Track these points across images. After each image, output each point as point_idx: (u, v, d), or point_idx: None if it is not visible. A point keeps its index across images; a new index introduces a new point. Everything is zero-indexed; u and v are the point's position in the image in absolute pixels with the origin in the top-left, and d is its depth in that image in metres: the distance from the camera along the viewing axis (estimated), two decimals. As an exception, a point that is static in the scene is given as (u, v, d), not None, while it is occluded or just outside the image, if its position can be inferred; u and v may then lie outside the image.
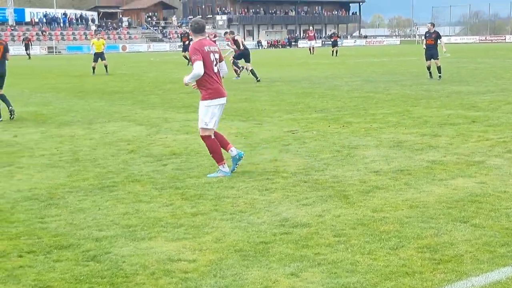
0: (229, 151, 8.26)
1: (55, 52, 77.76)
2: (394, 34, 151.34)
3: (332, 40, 52.11)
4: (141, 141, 10.77)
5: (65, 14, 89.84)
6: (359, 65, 34.50)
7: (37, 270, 4.85)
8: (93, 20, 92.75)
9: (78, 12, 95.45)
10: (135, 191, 7.29)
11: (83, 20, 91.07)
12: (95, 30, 78.09)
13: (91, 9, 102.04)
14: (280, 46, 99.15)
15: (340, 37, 75.87)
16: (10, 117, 13.79)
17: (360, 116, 13.22)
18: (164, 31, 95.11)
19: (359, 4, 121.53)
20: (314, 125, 12.10)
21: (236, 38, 25.85)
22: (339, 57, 45.88)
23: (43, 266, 4.95)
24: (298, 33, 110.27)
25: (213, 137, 8.21)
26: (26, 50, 56.14)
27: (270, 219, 6.05)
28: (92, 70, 29.95)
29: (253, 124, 12.49)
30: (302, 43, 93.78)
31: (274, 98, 17.22)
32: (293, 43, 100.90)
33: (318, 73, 28.31)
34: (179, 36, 37.75)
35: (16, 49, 73.98)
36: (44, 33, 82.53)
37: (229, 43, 25.85)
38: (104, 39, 32.30)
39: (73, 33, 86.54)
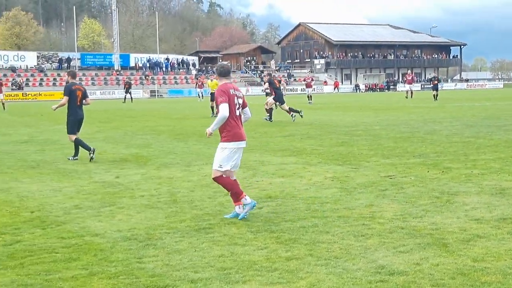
0: (243, 199, 8.19)
1: (157, 95, 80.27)
2: (497, 77, 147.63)
3: (432, 84, 51.62)
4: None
5: (167, 59, 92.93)
6: (459, 109, 33.75)
7: (134, 309, 4.94)
8: (194, 65, 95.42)
9: (180, 57, 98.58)
10: (231, 233, 7.35)
11: (184, 65, 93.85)
12: (197, 73, 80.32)
13: (192, 54, 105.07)
14: (378, 89, 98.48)
15: (440, 81, 74.65)
16: (90, 160, 14.24)
17: (460, 162, 12.88)
18: (262, 75, 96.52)
19: (460, 47, 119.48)
20: (412, 170, 11.87)
21: (271, 79, 27.26)
22: (439, 101, 45.08)
23: (140, 306, 5.04)
24: (396, 76, 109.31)
25: (226, 176, 8.25)
26: (126, 93, 58.27)
27: (365, 266, 5.94)
28: (212, 110, 30.56)
29: (349, 168, 12.39)
30: (400, 87, 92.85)
31: (372, 142, 17.04)
32: (391, 87, 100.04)
33: (417, 117, 27.87)
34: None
35: (121, 93, 76.99)
36: (147, 77, 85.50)
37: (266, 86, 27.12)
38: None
39: (174, 77, 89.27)
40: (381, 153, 14.61)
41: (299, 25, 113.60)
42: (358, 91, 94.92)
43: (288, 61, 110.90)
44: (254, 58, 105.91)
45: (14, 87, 75.97)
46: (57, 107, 15.11)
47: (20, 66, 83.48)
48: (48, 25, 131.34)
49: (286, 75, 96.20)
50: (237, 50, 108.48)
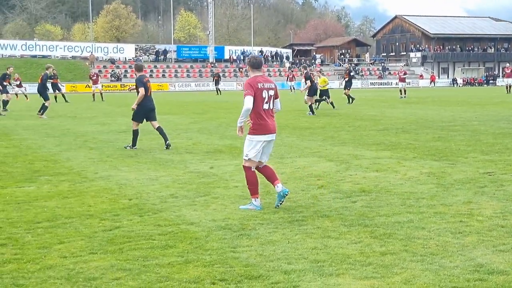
0: (275, 186, 8.43)
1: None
2: None
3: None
4: (330, 177, 10.82)
5: (261, 51, 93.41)
6: None
7: (228, 298, 5.01)
8: (287, 58, 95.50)
9: (274, 49, 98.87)
10: (324, 226, 7.32)
11: (278, 57, 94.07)
12: (290, 66, 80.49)
13: (285, 47, 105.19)
14: (476, 84, 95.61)
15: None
16: (166, 148, 14.92)
17: None
18: (356, 68, 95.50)
19: None
20: (513, 167, 11.46)
21: (309, 73, 28.84)
22: (541, 96, 43.27)
23: (234, 294, 5.10)
24: (496, 71, 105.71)
25: (253, 169, 8.50)
26: (216, 85, 58.98)
27: (463, 263, 5.79)
28: (331, 105, 30.46)
29: (446, 164, 12.09)
30: (500, 82, 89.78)
31: (470, 138, 16.56)
32: (490, 81, 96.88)
33: (518, 112, 26.86)
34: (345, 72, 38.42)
35: (222, 86, 78.08)
36: (241, 70, 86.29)
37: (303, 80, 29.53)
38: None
39: (268, 70, 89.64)
40: (480, 149, 14.17)
41: (395, 17, 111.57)
42: (455, 85, 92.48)
43: (383, 54, 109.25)
44: (349, 51, 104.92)
45: (113, 78, 78.38)
46: (136, 104, 15.07)
47: (119, 58, 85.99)
48: (146, 18, 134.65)
49: (380, 68, 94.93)
50: (331, 43, 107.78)
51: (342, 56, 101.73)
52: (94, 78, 43.64)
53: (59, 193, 9.58)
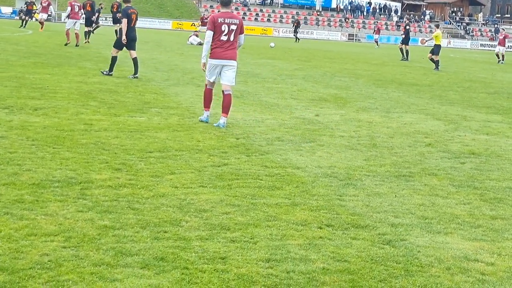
0: (221, 116, 10.19)
1: (355, 39, 79.63)
2: None
3: None
4: (438, 136, 10.61)
5: (369, 3, 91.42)
6: None
7: (335, 243, 5.07)
8: (396, 11, 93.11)
9: (383, 1, 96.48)
10: (432, 184, 7.22)
11: (386, 10, 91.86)
12: (398, 20, 78.65)
13: (395, 0, 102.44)
14: None
15: None
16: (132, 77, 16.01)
17: None
18: (467, 28, 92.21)
19: None
20: None
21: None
22: None
23: (341, 241, 5.15)
24: None
25: (209, 87, 10.56)
26: (294, 32, 58.62)
27: None
28: (433, 62, 29.30)
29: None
30: None
31: None
32: None
33: None
34: (404, 27, 37.43)
35: (319, 34, 77.64)
36: (347, 20, 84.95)
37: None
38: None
39: (374, 22, 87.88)
40: None
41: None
42: None
43: (497, 15, 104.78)
44: (461, 9, 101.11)
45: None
46: (124, 34, 15.99)
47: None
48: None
49: (492, 30, 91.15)
50: (444, 0, 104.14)
51: (453, 14, 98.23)
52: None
53: (168, 125, 9.85)
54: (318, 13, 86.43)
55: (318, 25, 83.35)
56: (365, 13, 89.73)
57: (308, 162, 7.97)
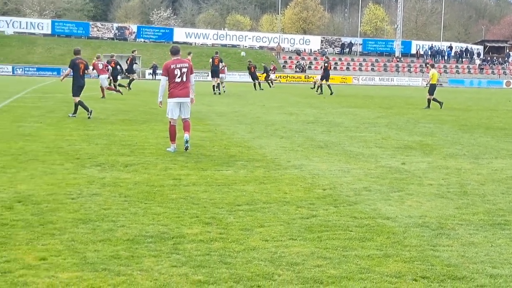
0: (184, 134, 12.49)
1: (437, 84, 78.47)
2: None
3: None
4: (532, 181, 10.25)
5: (450, 47, 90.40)
6: None
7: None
8: (478, 54, 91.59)
9: (464, 45, 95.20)
10: (529, 232, 6.97)
11: (468, 54, 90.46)
12: (480, 63, 77.41)
13: (477, 43, 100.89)
14: None
15: None
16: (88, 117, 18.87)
17: None
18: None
19: None
20: None
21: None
22: None
23: (438, 293, 5.02)
24: None
25: (172, 123, 12.54)
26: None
27: None
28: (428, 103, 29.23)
29: None
30: None
31: None
32: None
33: None
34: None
35: (399, 80, 77.10)
36: (427, 65, 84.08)
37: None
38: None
39: (456, 66, 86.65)
40: None
41: None
42: None
43: None
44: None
45: (297, 69, 79.61)
46: (63, 78, 20.63)
47: (305, 49, 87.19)
48: (332, 11, 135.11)
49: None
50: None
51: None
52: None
53: (255, 178, 9.93)
54: (398, 60, 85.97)
55: (398, 72, 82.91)
56: (445, 57, 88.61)
57: (398, 212, 7.86)
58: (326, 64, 39.85)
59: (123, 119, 19.06)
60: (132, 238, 6.36)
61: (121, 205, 7.83)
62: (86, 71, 19.67)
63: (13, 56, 73.30)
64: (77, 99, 19.23)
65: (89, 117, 18.88)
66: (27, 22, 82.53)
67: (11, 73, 68.19)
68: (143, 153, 12.25)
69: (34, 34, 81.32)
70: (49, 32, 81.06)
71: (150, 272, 5.37)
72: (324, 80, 39.56)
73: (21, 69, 69.62)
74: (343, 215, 7.65)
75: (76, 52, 19.62)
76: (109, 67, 32.94)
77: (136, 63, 39.31)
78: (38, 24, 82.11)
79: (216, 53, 37.21)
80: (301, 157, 12.39)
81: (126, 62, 39.62)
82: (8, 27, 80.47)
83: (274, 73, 52.70)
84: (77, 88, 19.16)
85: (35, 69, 69.68)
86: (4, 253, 5.78)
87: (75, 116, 19.26)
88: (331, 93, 38.47)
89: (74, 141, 13.70)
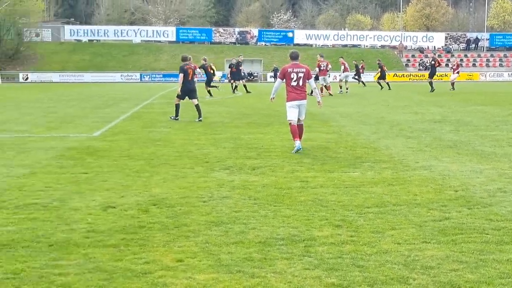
0: (295, 141, 12.84)
1: None
2: None
3: None
4: None
5: None
6: None
7: None
8: None
9: None
10: None
11: None
12: None
13: None
14: None
15: None
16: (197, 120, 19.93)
17: None
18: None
19: None
20: None
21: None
22: None
23: None
24: None
25: (293, 124, 12.87)
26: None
27: None
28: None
29: None
30: None
31: None
32: None
33: None
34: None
35: (530, 75, 73.52)
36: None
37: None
38: None
39: None
40: None
41: None
42: None
43: None
44: None
45: (420, 67, 77.81)
46: (180, 85, 20.14)
47: (428, 46, 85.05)
48: (456, 6, 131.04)
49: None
50: None
51: None
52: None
53: (383, 180, 9.80)
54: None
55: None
56: None
57: (536, 215, 7.50)
58: (433, 62, 39.21)
59: (247, 122, 19.36)
60: (263, 241, 6.45)
61: (251, 207, 7.96)
62: (194, 75, 20.73)
63: (141, 64, 76.23)
64: (178, 101, 20.43)
65: (170, 118, 20.42)
66: (153, 31, 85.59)
67: (139, 80, 70.90)
68: (269, 155, 12.38)
69: (159, 41, 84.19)
70: (174, 39, 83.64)
71: (283, 275, 5.42)
72: (429, 77, 40.11)
73: (148, 76, 72.26)
74: (478, 217, 7.40)
75: (184, 59, 20.59)
76: (197, 69, 33.59)
77: (240, 68, 39.83)
78: (163, 32, 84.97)
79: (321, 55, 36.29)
80: (429, 157, 12.09)
81: (232, 68, 40.06)
82: (135, 36, 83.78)
83: (363, 72, 51.18)
84: (184, 91, 20.23)
85: (161, 76, 72.10)
86: (143, 254, 6.02)
87: (177, 119, 20.25)
88: (432, 90, 38.38)
89: (202, 145, 14.06)
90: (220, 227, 6.98)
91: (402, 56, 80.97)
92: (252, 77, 73.32)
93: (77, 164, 11.38)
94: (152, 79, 71.84)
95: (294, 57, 13.16)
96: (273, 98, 13.88)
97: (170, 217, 7.48)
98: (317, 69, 34.32)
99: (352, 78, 47.69)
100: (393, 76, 68.15)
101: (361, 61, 55.11)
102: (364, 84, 48.26)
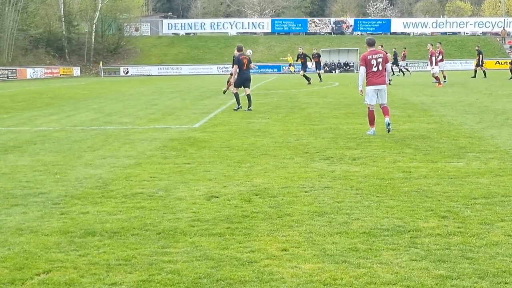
0: (385, 118, 13.53)
1: None
2: None
3: None
4: None
5: None
6: None
7: None
8: None
9: None
10: None
11: None
12: None
13: None
14: None
15: None
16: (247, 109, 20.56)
17: None
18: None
19: None
20: None
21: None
22: None
23: None
24: None
25: (371, 109, 13.67)
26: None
27: None
28: None
29: None
30: None
31: None
32: None
33: None
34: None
35: None
36: None
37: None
38: None
39: None
40: None
41: None
42: None
43: None
44: None
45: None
46: (234, 76, 21.15)
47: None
48: None
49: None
50: None
51: None
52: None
53: (490, 170, 9.50)
54: None
55: None
56: None
57: None
58: None
59: (345, 113, 19.22)
60: (368, 231, 6.38)
61: (353, 198, 7.90)
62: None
63: (237, 56, 77.11)
64: (236, 90, 21.35)
65: (235, 109, 20.83)
66: (248, 23, 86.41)
67: (235, 72, 71.76)
68: (370, 146, 12.24)
69: (255, 33, 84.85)
70: (269, 30, 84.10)
71: (390, 266, 5.35)
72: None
73: (244, 68, 72.92)
74: None
75: (239, 49, 21.09)
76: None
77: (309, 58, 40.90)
78: (259, 23, 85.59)
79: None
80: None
81: (311, 59, 41.14)
82: (231, 28, 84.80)
83: (404, 60, 49.63)
84: (240, 81, 21.05)
85: (257, 68, 72.66)
86: (248, 243, 6.08)
87: (240, 107, 20.88)
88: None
89: (301, 135, 14.07)
90: (323, 217, 6.97)
91: (505, 43, 78.15)
92: (348, 67, 72.75)
93: (179, 155, 11.64)
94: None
95: (371, 43, 13.70)
96: (362, 90, 14.13)
97: (272, 206, 7.52)
98: (433, 57, 33.36)
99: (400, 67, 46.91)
100: (495, 63, 65.89)
101: (404, 49, 53.33)
102: (403, 74, 47.14)
